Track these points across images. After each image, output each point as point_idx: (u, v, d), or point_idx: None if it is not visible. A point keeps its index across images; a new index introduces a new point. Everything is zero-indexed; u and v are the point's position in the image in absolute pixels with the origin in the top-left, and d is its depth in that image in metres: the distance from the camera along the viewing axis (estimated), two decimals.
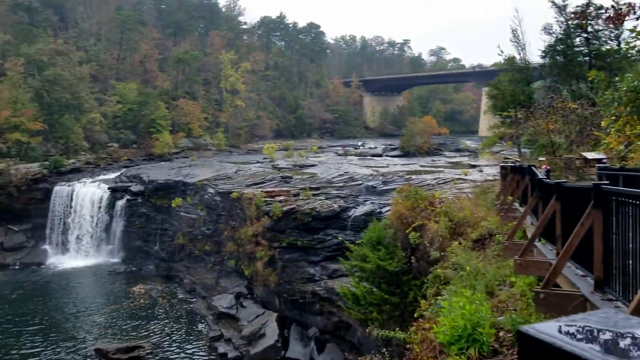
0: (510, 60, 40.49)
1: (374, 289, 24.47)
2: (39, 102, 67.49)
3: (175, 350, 37.02)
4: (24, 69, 69.55)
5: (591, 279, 6.84)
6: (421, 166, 60.74)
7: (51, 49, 73.67)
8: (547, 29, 38.88)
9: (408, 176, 49.63)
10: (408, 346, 10.91)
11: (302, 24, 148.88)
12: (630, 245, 5.72)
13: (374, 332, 15.46)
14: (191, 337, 39.29)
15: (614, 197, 6.26)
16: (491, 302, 10.76)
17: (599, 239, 6.40)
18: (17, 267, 56.38)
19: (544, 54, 39.46)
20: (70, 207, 59.90)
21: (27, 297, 46.73)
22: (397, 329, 12.49)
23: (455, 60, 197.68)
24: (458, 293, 9.82)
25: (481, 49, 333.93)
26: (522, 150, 40.18)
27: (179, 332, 40.03)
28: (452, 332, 8.20)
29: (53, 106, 68.04)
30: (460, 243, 17.05)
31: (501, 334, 8.97)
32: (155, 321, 41.77)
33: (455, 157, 73.38)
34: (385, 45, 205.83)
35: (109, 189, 59.64)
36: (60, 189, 61.25)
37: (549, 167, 18.97)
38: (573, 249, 6.90)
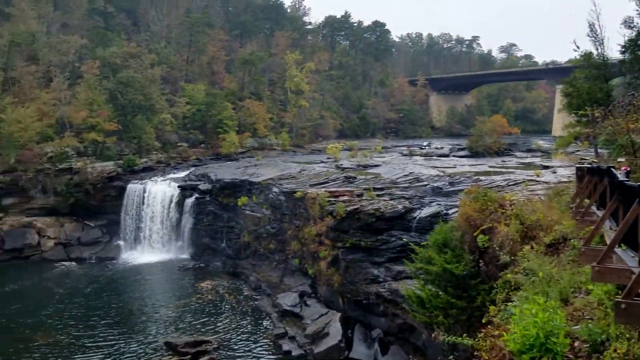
0: (587, 56, 38.40)
1: (440, 293, 23.93)
2: (114, 103, 70.25)
3: (240, 346, 37.69)
4: (100, 71, 72.51)
5: None
6: (490, 167, 58.99)
7: (124, 51, 76.60)
8: (627, 23, 36.69)
9: (476, 177, 48.30)
10: (476, 353, 10.54)
11: (367, 22, 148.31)
12: None
13: (440, 337, 15.04)
14: (256, 334, 39.88)
15: None
16: (565, 310, 10.24)
17: None
18: (93, 261, 59.15)
19: (623, 49, 37.28)
20: (143, 204, 62.24)
21: (101, 290, 48.92)
22: (465, 334, 12.10)
23: (527, 57, 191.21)
24: (530, 300, 9.40)
25: (555, 45, 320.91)
26: (599, 150, 38.21)
27: (245, 328, 40.72)
28: (523, 341, 7.86)
29: (126, 107, 70.66)
30: (532, 247, 16.38)
31: (576, 344, 8.51)
32: (222, 317, 42.73)
33: (526, 157, 70.83)
34: (453, 42, 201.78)
35: (178, 187, 61.52)
36: (133, 187, 63.75)
37: (629, 169, 17.91)
38: None
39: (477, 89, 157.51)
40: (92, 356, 35.53)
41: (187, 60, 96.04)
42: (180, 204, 60.63)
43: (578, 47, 38.78)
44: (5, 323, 41.00)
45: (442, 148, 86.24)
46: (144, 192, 62.58)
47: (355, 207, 39.62)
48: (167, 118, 76.89)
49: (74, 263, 57.93)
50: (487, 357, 9.47)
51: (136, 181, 65.12)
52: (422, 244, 27.11)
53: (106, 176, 64.95)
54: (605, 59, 38.34)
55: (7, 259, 58.02)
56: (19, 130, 60.95)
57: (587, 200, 14.03)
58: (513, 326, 8.28)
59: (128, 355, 35.79)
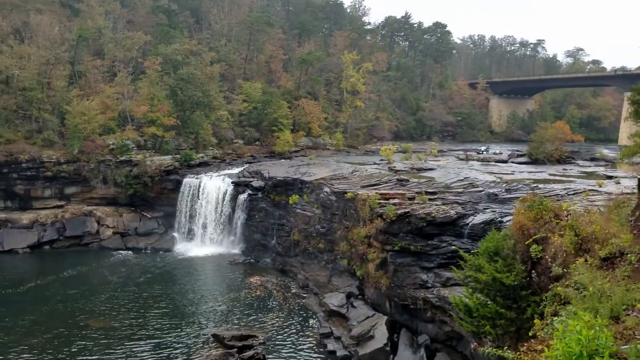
0: None
1: (489, 302, 23.19)
2: (173, 99, 71.94)
3: (286, 343, 37.90)
4: (161, 67, 74.43)
5: None
6: (550, 175, 56.95)
7: (186, 49, 78.28)
8: None
9: (535, 185, 46.70)
10: None
11: (427, 23, 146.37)
12: None
13: (480, 349, 14.58)
14: (302, 332, 40.01)
15: None
16: (615, 328, 9.71)
17: None
18: (148, 251, 61.05)
19: None
20: (198, 198, 63.63)
21: (154, 280, 50.34)
22: (505, 347, 11.64)
23: (595, 62, 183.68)
24: (577, 315, 8.94)
25: (626, 51, 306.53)
26: None
27: (291, 326, 40.93)
28: (565, 358, 7.45)
29: (185, 103, 72.21)
30: (586, 260, 15.66)
31: None
32: (269, 312, 43.10)
33: (589, 166, 67.98)
34: (517, 45, 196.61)
35: (232, 183, 62.51)
36: (189, 181, 65.24)
37: None
38: None
39: (540, 94, 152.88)
40: (142, 344, 36.55)
41: (245, 58, 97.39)
42: (233, 199, 61.58)
43: None
44: (61, 307, 42.84)
45: (500, 153, 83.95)
46: (199, 186, 63.97)
47: (405, 210, 39.01)
48: (224, 115, 78.17)
49: (130, 252, 59.99)
50: None
51: (192, 175, 66.61)
52: (472, 251, 26.40)
53: (164, 169, 66.85)
54: None
55: (67, 245, 60.82)
56: (83, 122, 63.70)
57: None
58: (555, 342, 7.89)
59: (177, 344, 36.61)
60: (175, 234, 64.33)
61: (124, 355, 34.84)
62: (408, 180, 51.07)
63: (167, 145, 69.02)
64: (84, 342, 36.46)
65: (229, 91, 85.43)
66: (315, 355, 36.83)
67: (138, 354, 35.06)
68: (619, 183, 46.48)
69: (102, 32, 79.90)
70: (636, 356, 7.89)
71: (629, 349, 8.23)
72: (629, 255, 13.85)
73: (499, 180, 50.80)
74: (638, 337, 9.01)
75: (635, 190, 24.04)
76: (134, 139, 67.56)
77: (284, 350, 36.82)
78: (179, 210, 64.66)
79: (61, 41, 71.63)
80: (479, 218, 37.06)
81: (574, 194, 40.40)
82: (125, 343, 36.54)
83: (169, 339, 37.54)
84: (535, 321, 12.25)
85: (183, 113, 72.37)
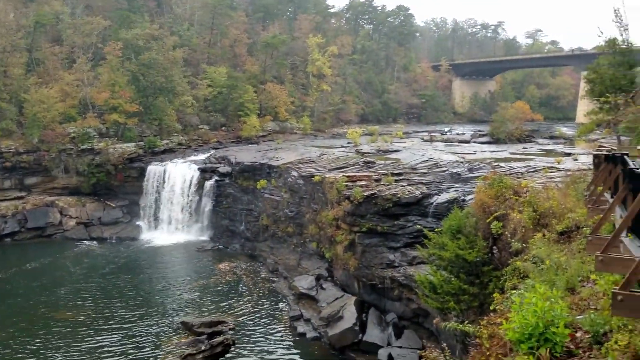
0: (611, 42, 37.32)
1: (452, 278, 23.83)
2: (135, 85, 70.30)
3: (256, 327, 38.11)
4: (122, 53, 72.56)
5: None
6: (511, 153, 58.32)
7: (147, 33, 76.33)
8: None
9: (496, 164, 47.79)
10: (477, 341, 10.48)
11: (391, 6, 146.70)
12: None
13: (441, 324, 14.99)
14: (272, 316, 40.26)
15: None
16: (571, 299, 10.11)
17: None
18: (113, 241, 60.07)
19: None
20: (163, 185, 62.83)
21: (120, 270, 49.65)
22: (466, 322, 12.00)
23: (553, 42, 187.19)
24: (534, 288, 9.28)
25: (583, 31, 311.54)
26: (622, 138, 37.42)
27: (261, 310, 41.13)
28: (521, 330, 7.74)
29: (148, 89, 70.73)
30: (544, 235, 16.19)
31: (579, 334, 8.36)
32: (239, 298, 43.18)
33: (549, 144, 69.79)
34: (478, 27, 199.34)
35: (198, 169, 61.89)
36: (154, 168, 64.31)
37: None
38: None
39: (501, 75, 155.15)
40: (109, 334, 36.14)
41: (209, 42, 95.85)
42: (200, 186, 61.00)
43: (602, 32, 37.79)
44: (23, 301, 41.87)
45: (463, 134, 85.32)
46: (164, 173, 63.12)
47: (372, 192, 39.48)
48: (189, 100, 76.94)
49: (94, 242, 58.92)
50: (488, 345, 9.38)
51: (157, 163, 65.62)
52: (437, 229, 26.98)
53: (127, 157, 65.68)
54: (630, 45, 37.28)
55: (30, 237, 59.28)
56: (42, 111, 61.85)
57: (599, 188, 13.76)
58: (513, 314, 8.18)
59: (145, 334, 36.35)
60: (141, 223, 63.49)
61: (90, 347, 34.25)
62: (374, 163, 51.54)
63: (129, 133, 67.75)
64: (48, 336, 35.68)
65: (193, 76, 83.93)
66: (286, 338, 37.17)
67: (105, 346, 34.51)
68: (577, 160, 47.82)
69: (60, 18, 77.35)
70: (590, 325, 8.21)
71: (583, 318, 8.57)
72: (584, 228, 14.36)
73: (461, 160, 51.81)
74: (592, 307, 9.39)
75: (591, 166, 24.79)
76: (96, 127, 66.05)
77: (254, 335, 37.01)
78: (144, 198, 63.77)
79: (17, 28, 69.30)
80: (442, 197, 37.83)
81: (533, 172, 41.46)
82: (92, 335, 35.90)
83: (137, 329, 37.17)
84: (494, 295, 12.66)
85: (146, 99, 70.89)
